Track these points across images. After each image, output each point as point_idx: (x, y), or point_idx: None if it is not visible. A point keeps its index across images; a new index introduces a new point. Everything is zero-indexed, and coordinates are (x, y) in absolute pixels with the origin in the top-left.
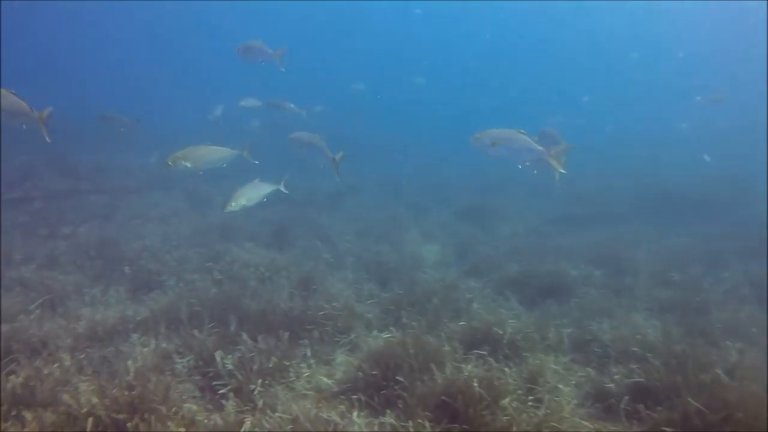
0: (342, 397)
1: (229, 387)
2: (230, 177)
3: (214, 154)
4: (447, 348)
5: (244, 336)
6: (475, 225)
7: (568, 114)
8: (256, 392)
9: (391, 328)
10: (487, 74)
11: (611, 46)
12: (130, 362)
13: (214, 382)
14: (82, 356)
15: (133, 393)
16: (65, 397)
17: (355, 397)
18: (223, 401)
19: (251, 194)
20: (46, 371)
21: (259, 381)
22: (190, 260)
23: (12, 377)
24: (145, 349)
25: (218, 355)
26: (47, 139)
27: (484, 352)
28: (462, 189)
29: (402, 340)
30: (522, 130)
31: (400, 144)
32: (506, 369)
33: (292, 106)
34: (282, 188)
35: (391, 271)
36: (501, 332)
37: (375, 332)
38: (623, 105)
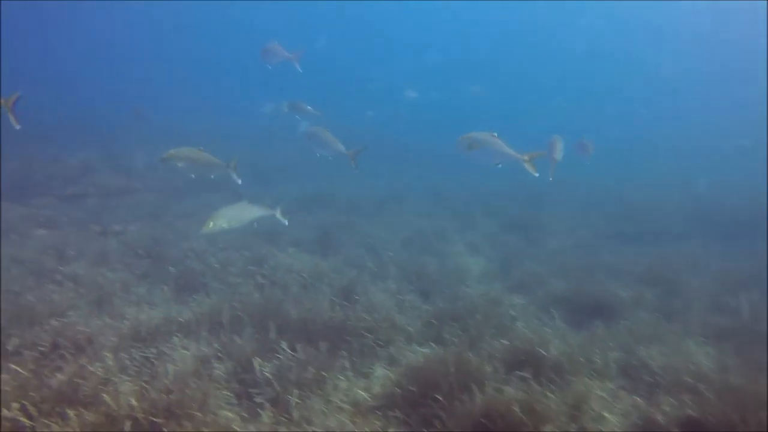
0: (378, 412)
1: (265, 396)
2: (283, 181)
3: (205, 160)
4: (488, 368)
5: (284, 345)
6: (522, 238)
7: (623, 125)
8: (293, 403)
9: (432, 343)
10: (545, 83)
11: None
12: (170, 366)
13: (251, 390)
14: (125, 356)
15: (171, 397)
16: (106, 398)
17: (391, 413)
18: (260, 410)
19: (234, 216)
20: (90, 369)
21: (296, 392)
22: (234, 263)
23: (57, 374)
24: (186, 353)
25: (257, 362)
26: (16, 126)
27: (527, 375)
28: (509, 200)
29: (442, 356)
30: (494, 133)
31: (450, 152)
32: (549, 393)
33: (309, 108)
34: (278, 215)
35: (434, 283)
36: (545, 353)
37: (415, 346)
38: (681, 118)
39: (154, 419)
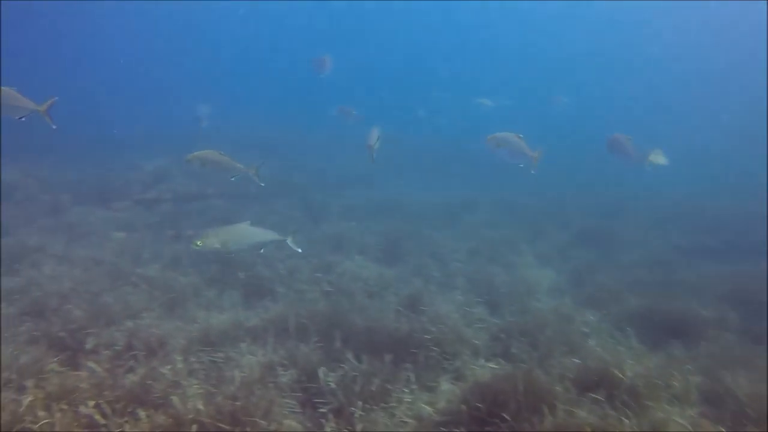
0: (443, 429)
1: (329, 406)
2: (351, 187)
3: (225, 163)
4: (559, 388)
5: (349, 355)
6: (593, 251)
7: (708, 134)
8: (356, 415)
9: (500, 358)
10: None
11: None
12: (236, 372)
13: (316, 399)
14: (194, 359)
15: (236, 404)
16: (175, 400)
17: (456, 430)
18: (323, 420)
19: (231, 238)
20: (161, 371)
21: (360, 404)
22: (302, 270)
23: (130, 375)
24: (252, 358)
25: (321, 372)
26: (53, 127)
27: (600, 397)
28: (580, 211)
29: (511, 374)
30: (520, 135)
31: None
32: (624, 419)
33: (355, 113)
34: (290, 242)
35: (502, 296)
36: (620, 375)
37: (482, 361)
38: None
39: (220, 424)
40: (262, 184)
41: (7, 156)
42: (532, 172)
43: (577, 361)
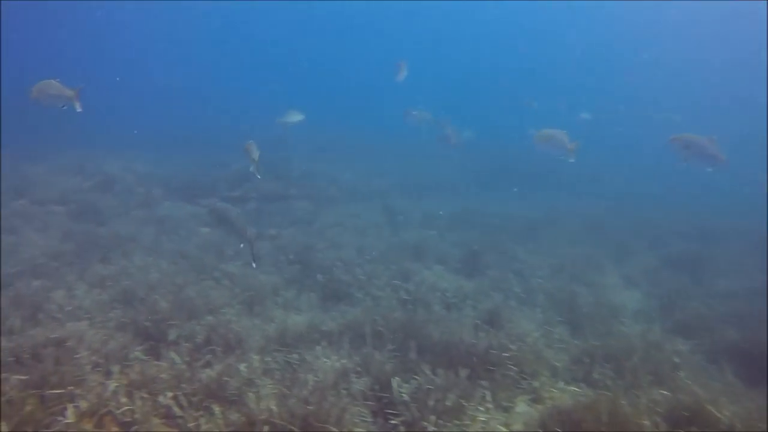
0: None
1: (401, 418)
2: (434, 196)
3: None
4: (647, 421)
5: (424, 366)
6: (686, 276)
7: None
8: (429, 430)
9: (581, 383)
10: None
11: None
12: (310, 375)
13: (387, 410)
14: (269, 359)
15: (309, 408)
16: (249, 398)
17: None
18: None
19: None
20: (238, 368)
21: (433, 418)
22: (380, 276)
23: (208, 369)
24: (327, 362)
25: (395, 382)
26: (78, 109)
27: None
28: (671, 232)
29: (594, 401)
30: (564, 131)
31: (609, 177)
32: None
33: (415, 113)
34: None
35: (585, 317)
36: (716, 414)
37: (561, 384)
38: None
39: (292, 428)
40: (259, 176)
41: (112, 150)
42: (570, 160)
43: (667, 393)
